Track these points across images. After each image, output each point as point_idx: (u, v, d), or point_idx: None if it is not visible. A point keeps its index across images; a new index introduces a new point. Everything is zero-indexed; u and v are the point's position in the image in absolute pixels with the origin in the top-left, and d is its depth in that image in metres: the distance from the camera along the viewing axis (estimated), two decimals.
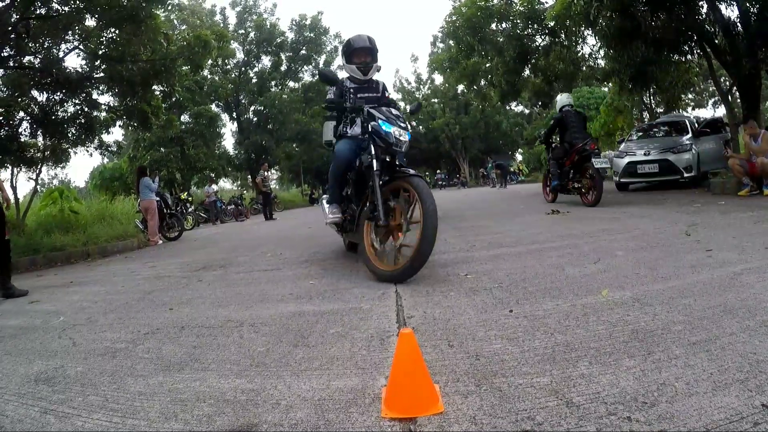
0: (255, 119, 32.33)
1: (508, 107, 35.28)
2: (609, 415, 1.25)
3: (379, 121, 3.47)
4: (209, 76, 28.01)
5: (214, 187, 20.50)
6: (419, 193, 3.10)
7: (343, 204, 4.04)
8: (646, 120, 17.09)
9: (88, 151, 10.90)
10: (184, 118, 24.91)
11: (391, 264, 3.30)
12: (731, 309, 1.99)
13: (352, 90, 4.16)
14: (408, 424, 1.32)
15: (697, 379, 1.39)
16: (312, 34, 33.19)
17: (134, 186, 11.11)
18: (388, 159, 3.49)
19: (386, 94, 4.32)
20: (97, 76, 10.16)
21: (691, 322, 1.88)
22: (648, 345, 1.69)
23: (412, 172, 3.39)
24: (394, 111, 3.69)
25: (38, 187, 11.34)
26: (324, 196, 4.66)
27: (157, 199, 10.12)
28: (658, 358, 1.57)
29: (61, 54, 9.72)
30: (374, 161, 3.41)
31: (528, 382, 1.50)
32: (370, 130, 3.52)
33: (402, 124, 3.52)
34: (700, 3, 9.92)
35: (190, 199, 17.70)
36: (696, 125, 10.52)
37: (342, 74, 4.42)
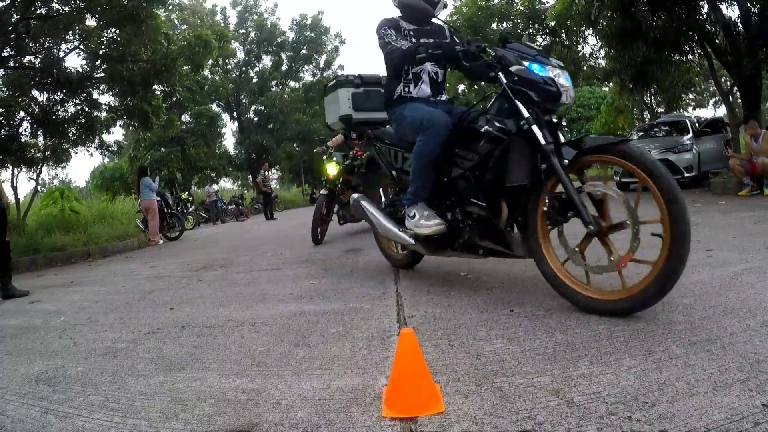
0: (256, 119, 32.37)
1: None
2: (610, 415, 1.25)
3: (526, 63, 2.23)
4: (210, 76, 28.06)
5: (215, 186, 20.52)
6: (649, 172, 1.97)
7: (435, 204, 2.76)
8: (646, 120, 17.10)
9: (88, 151, 10.95)
10: (185, 117, 24.96)
11: (607, 288, 2.14)
12: (732, 309, 1.99)
13: (411, 33, 2.90)
14: (409, 423, 1.32)
15: (698, 379, 1.39)
16: (313, 34, 33.24)
17: (135, 186, 11.12)
18: (554, 120, 2.25)
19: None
20: (98, 75, 10.17)
21: (692, 321, 1.88)
22: (649, 345, 1.69)
23: (614, 137, 2.15)
24: (532, 45, 2.40)
25: (39, 187, 11.36)
26: (356, 196, 3.39)
27: (158, 198, 10.13)
28: (658, 358, 1.57)
29: (61, 54, 9.76)
30: (536, 128, 2.15)
31: (529, 381, 1.50)
32: (512, 79, 2.25)
33: (558, 63, 2.30)
34: (701, 3, 9.92)
35: (190, 198, 17.71)
36: (697, 125, 10.52)
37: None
